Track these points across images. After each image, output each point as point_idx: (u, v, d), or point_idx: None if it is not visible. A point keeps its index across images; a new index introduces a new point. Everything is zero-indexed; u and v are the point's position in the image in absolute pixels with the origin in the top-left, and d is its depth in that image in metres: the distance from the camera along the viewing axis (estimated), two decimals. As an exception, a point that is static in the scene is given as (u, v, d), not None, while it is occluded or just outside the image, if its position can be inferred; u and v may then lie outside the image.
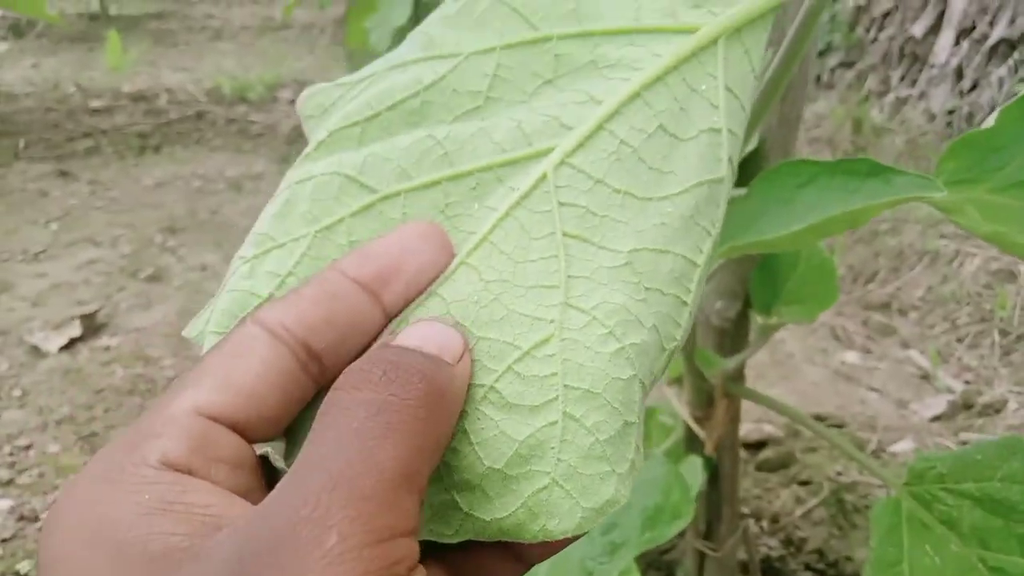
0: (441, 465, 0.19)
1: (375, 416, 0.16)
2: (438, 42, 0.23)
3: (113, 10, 3.63)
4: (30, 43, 3.04)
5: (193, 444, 0.17)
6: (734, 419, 0.55)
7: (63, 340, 1.21)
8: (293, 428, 0.20)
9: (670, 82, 0.22)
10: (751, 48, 0.23)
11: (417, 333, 0.19)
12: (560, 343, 0.20)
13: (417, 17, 1.43)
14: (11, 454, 0.97)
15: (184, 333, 0.22)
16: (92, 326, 1.25)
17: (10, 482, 0.92)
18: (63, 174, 1.86)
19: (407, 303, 0.20)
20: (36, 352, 1.19)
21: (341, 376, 0.18)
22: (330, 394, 0.17)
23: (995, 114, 0.40)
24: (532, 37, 0.22)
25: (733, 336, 0.53)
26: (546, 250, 0.20)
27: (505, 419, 0.19)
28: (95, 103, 2.34)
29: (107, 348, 1.21)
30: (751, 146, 0.49)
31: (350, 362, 0.18)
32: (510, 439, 0.19)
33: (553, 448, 0.19)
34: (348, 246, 0.21)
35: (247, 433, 0.18)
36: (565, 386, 0.19)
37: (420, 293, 0.20)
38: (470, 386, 0.19)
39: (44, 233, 1.58)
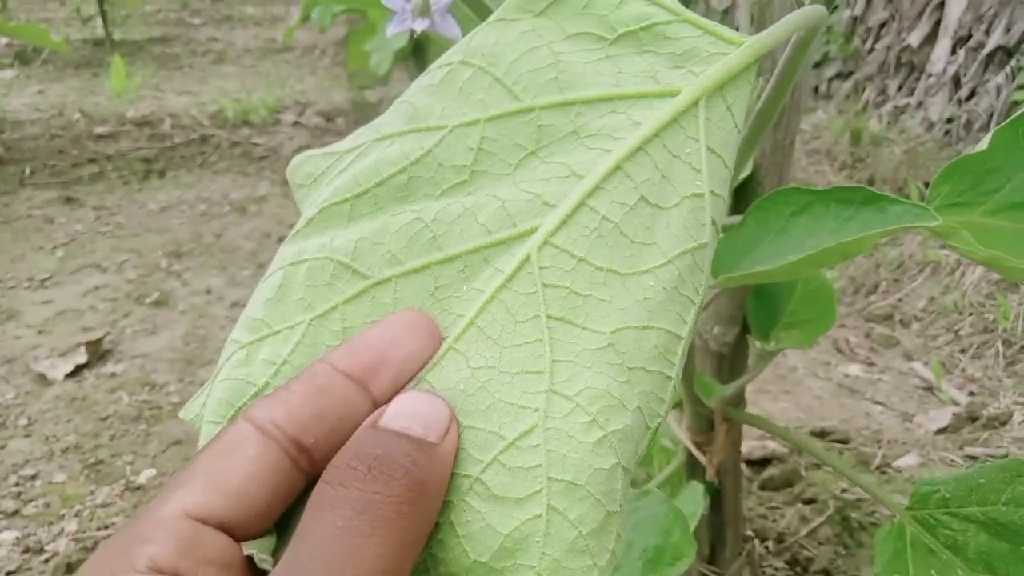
0: (428, 556, 0.20)
1: (360, 514, 0.17)
2: (423, 113, 0.23)
3: (117, 35, 3.66)
4: (36, 70, 3.07)
5: (181, 547, 0.17)
6: (735, 443, 0.55)
7: (69, 367, 1.22)
8: (284, 519, 0.20)
9: (651, 151, 0.22)
10: (734, 103, 0.23)
11: (404, 410, 0.19)
12: (544, 433, 0.20)
13: (417, 41, 1.44)
14: (17, 484, 0.97)
15: (181, 415, 0.23)
16: (98, 352, 1.26)
17: (15, 513, 0.92)
18: (69, 200, 1.88)
19: (396, 391, 0.21)
20: (42, 380, 1.19)
21: (329, 469, 0.18)
22: (318, 487, 0.18)
23: (988, 136, 0.40)
24: (515, 108, 0.22)
25: (732, 361, 0.53)
26: (531, 334, 0.21)
27: (491, 511, 0.20)
28: (100, 129, 2.36)
29: (113, 375, 1.21)
30: (745, 172, 0.49)
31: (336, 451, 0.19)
32: (496, 532, 0.19)
33: (538, 542, 0.19)
34: (342, 332, 0.21)
35: (237, 532, 0.19)
36: (549, 478, 0.20)
37: (409, 381, 0.21)
38: (457, 475, 0.20)
39: (50, 260, 1.59)
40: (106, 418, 1.11)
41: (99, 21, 3.55)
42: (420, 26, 0.43)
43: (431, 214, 0.22)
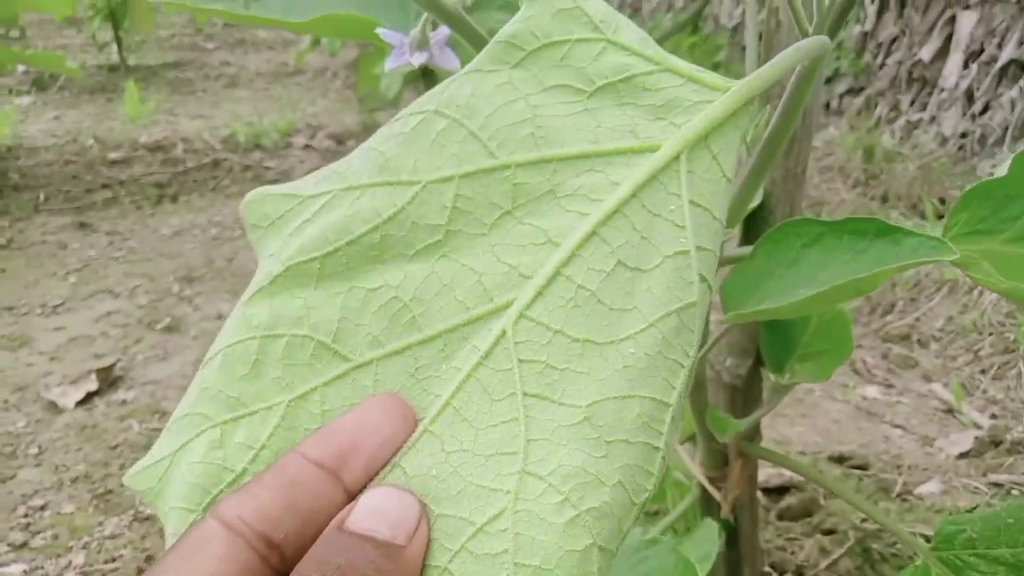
0: None
1: None
2: (393, 165, 0.22)
3: (132, 61, 3.71)
4: (52, 96, 3.11)
5: None
6: (751, 477, 0.54)
7: (80, 395, 1.22)
8: None
9: (628, 212, 0.21)
10: (721, 152, 0.22)
11: (371, 510, 0.19)
12: (513, 516, 0.19)
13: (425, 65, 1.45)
14: (26, 515, 0.97)
15: (125, 480, 0.22)
16: (108, 379, 1.26)
17: (24, 545, 0.92)
18: (82, 226, 1.89)
19: (369, 479, 0.20)
20: (53, 408, 1.19)
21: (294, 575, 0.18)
22: None
23: (1007, 162, 0.39)
24: (490, 165, 0.22)
25: (745, 393, 0.52)
26: (507, 413, 0.20)
27: None
28: (113, 154, 2.38)
29: (123, 402, 1.21)
30: (755, 202, 0.48)
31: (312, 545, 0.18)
32: None
33: None
34: (321, 416, 0.21)
35: None
36: (516, 563, 0.19)
37: (382, 468, 0.20)
38: (427, 567, 0.19)
39: (63, 286, 1.60)
40: (116, 447, 1.10)
41: (115, 47, 3.60)
42: (419, 60, 0.42)
43: (409, 291, 0.21)
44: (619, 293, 0.21)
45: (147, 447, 1.10)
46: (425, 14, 0.43)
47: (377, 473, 0.20)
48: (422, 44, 0.43)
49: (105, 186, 2.15)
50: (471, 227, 0.22)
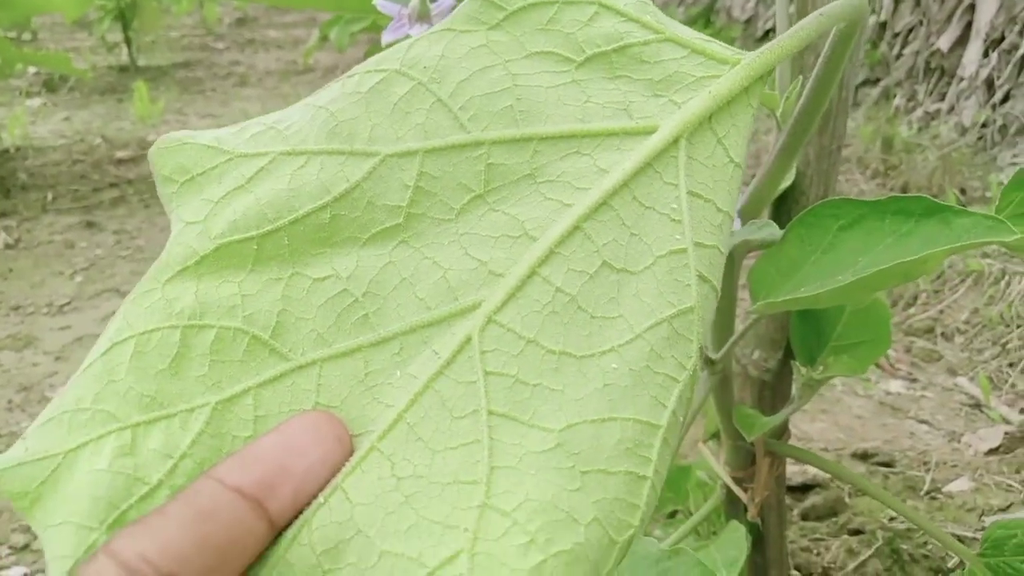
0: None
1: None
2: (346, 131, 0.19)
3: (142, 61, 3.71)
4: (62, 97, 3.12)
5: None
6: (779, 478, 0.51)
7: (85, 395, 1.20)
8: None
9: (617, 205, 0.19)
10: (728, 135, 0.19)
11: None
12: (470, 559, 0.16)
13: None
14: (29, 517, 0.95)
15: None
16: (114, 379, 1.24)
17: (25, 547, 0.90)
18: (89, 225, 1.88)
19: (296, 510, 0.17)
20: (59, 408, 1.18)
21: None
22: None
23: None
24: (461, 140, 0.19)
25: (774, 388, 0.49)
26: (468, 434, 0.17)
27: None
28: (121, 154, 2.37)
29: (129, 402, 1.20)
30: (787, 183, 0.45)
31: None
32: None
33: None
34: (253, 422, 0.18)
35: None
36: None
37: (311, 497, 0.17)
38: None
39: (69, 285, 1.59)
40: (121, 447, 1.09)
41: (124, 48, 3.60)
42: (418, 32, 0.40)
43: (362, 285, 0.19)
44: (603, 299, 0.18)
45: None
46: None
47: (305, 503, 0.17)
48: (422, 15, 0.40)
49: (113, 185, 2.14)
50: (436, 211, 0.19)
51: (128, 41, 3.54)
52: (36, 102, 3.03)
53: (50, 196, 2.04)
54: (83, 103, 3.04)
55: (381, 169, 0.19)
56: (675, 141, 0.19)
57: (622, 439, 0.17)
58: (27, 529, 0.93)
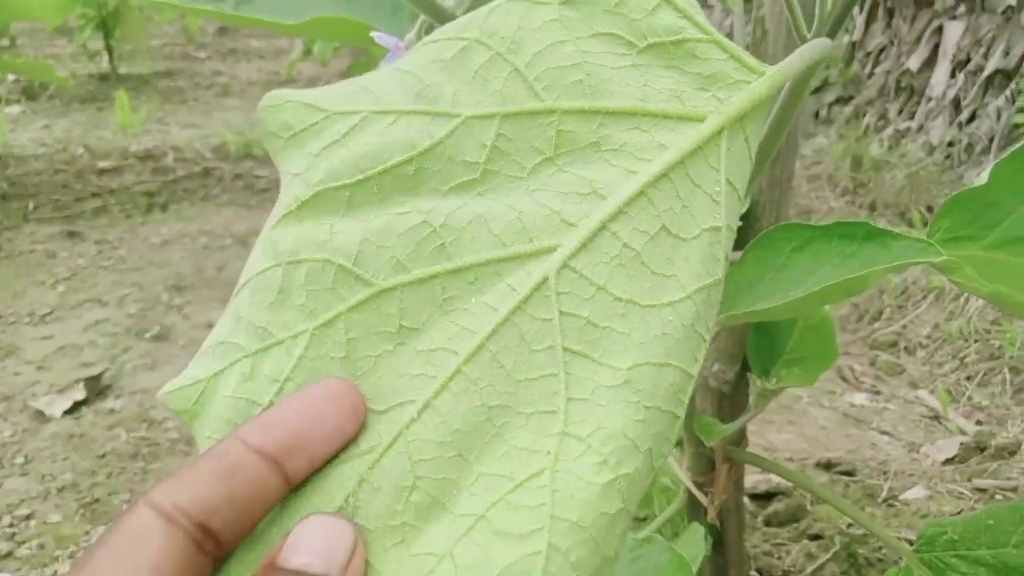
0: None
1: None
2: (431, 93, 0.21)
3: (123, 70, 3.70)
4: (42, 105, 3.10)
5: None
6: (737, 482, 0.54)
7: (67, 404, 1.21)
8: None
9: (674, 178, 0.21)
10: (751, 135, 0.22)
11: (304, 543, 0.18)
12: (552, 474, 0.19)
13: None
14: (11, 524, 0.96)
15: (165, 390, 0.21)
16: (96, 389, 1.25)
17: (9, 554, 0.91)
18: (71, 234, 1.88)
19: (312, 471, 0.20)
20: (40, 417, 1.19)
21: None
22: None
23: (988, 169, 0.40)
24: (534, 108, 0.21)
25: (732, 399, 0.52)
26: (546, 366, 0.20)
27: (492, 545, 0.18)
28: (103, 163, 2.37)
29: (111, 411, 1.21)
30: (743, 209, 0.49)
31: (247, 534, 0.18)
32: (494, 565, 0.18)
33: None
34: (346, 344, 0.20)
35: None
36: (553, 516, 0.18)
37: (325, 461, 0.20)
38: (464, 516, 0.19)
39: (51, 294, 1.59)
40: (103, 456, 1.10)
41: (105, 56, 3.59)
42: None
43: (439, 217, 0.20)
44: (660, 258, 0.20)
45: (135, 456, 1.10)
46: (421, 17, 0.43)
47: (320, 466, 0.19)
48: (415, 49, 0.43)
49: (95, 195, 2.14)
50: (509, 168, 0.21)
51: (109, 49, 3.53)
52: (15, 109, 3.01)
53: (31, 205, 2.04)
54: (63, 111, 3.03)
55: (462, 129, 0.21)
56: (719, 132, 0.21)
57: (672, 383, 0.20)
58: (11, 537, 0.94)
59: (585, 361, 0.20)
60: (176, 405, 0.21)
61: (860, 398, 1.23)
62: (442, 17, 0.41)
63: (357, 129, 0.22)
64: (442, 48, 0.22)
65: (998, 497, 0.92)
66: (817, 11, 0.39)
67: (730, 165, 0.22)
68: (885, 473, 0.99)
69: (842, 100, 2.65)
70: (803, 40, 0.41)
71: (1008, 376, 1.21)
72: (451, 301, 0.20)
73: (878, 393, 1.24)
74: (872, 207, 1.88)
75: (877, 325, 1.41)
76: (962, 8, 2.23)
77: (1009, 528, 0.43)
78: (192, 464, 0.19)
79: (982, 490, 0.94)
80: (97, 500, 1.01)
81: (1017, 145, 0.39)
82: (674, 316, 0.20)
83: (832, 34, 0.40)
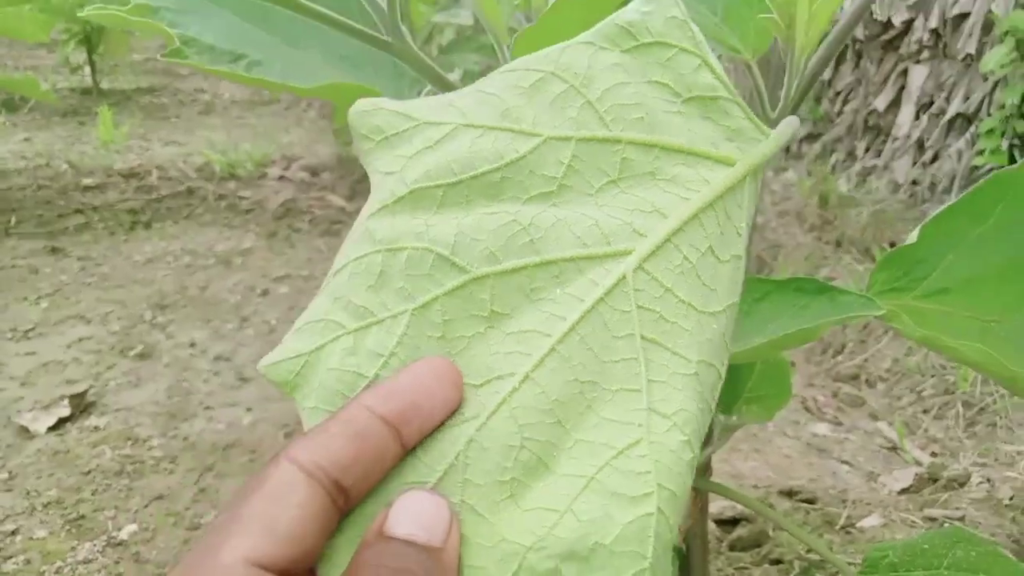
0: (542, 538, 0.21)
1: None
2: (515, 114, 0.25)
3: (105, 84, 3.70)
4: (23, 118, 3.10)
5: None
6: (702, 509, 0.59)
7: (52, 420, 1.22)
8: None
9: (717, 208, 0.25)
10: (759, 183, 0.27)
11: (407, 516, 0.20)
12: (649, 446, 0.21)
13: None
14: (-1, 540, 0.98)
15: (263, 362, 0.23)
16: (81, 405, 1.27)
17: (-3, 568, 0.93)
18: (54, 251, 1.89)
19: (422, 437, 0.22)
20: (25, 433, 1.20)
21: None
22: None
23: (916, 231, 0.45)
24: (604, 136, 0.25)
25: (697, 432, 0.57)
26: (627, 351, 0.23)
27: (610, 504, 0.21)
28: (87, 180, 2.38)
29: (96, 428, 1.22)
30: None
31: (368, 491, 0.21)
32: (616, 522, 0.21)
33: (650, 538, 0.21)
34: (443, 325, 0.23)
35: (289, 573, 0.20)
36: (659, 484, 0.21)
37: (432, 429, 0.22)
38: (574, 477, 0.21)
39: (34, 311, 1.60)
40: (88, 472, 1.12)
41: (87, 70, 3.59)
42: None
43: (527, 217, 0.23)
44: (708, 273, 0.24)
45: (120, 473, 1.12)
46: (428, 87, 0.48)
47: (430, 433, 0.22)
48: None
49: (78, 211, 2.15)
50: (581, 185, 0.24)
51: (92, 64, 3.53)
52: (-5, 121, 3.01)
53: (13, 220, 2.05)
54: (44, 124, 3.03)
55: (543, 147, 0.24)
56: (744, 176, 0.25)
57: (715, 383, 0.23)
58: (-1, 552, 0.96)
59: (661, 349, 0.23)
60: (276, 377, 0.23)
61: (823, 428, 1.28)
62: (446, 86, 0.46)
63: (448, 138, 0.24)
64: (520, 77, 0.25)
65: (946, 525, 0.98)
66: (783, 96, 0.45)
67: (750, 204, 0.26)
68: (844, 501, 1.05)
69: (812, 137, 2.73)
70: (767, 118, 0.46)
71: (961, 410, 1.28)
72: (537, 291, 0.23)
73: (840, 424, 1.30)
74: (838, 243, 1.95)
75: (840, 358, 1.48)
76: (926, 53, 2.33)
77: (941, 552, 0.48)
78: (322, 427, 0.21)
79: (932, 519, 1.00)
80: (83, 516, 1.03)
81: (943, 205, 0.44)
82: (716, 324, 0.24)
83: (795, 111, 0.45)
